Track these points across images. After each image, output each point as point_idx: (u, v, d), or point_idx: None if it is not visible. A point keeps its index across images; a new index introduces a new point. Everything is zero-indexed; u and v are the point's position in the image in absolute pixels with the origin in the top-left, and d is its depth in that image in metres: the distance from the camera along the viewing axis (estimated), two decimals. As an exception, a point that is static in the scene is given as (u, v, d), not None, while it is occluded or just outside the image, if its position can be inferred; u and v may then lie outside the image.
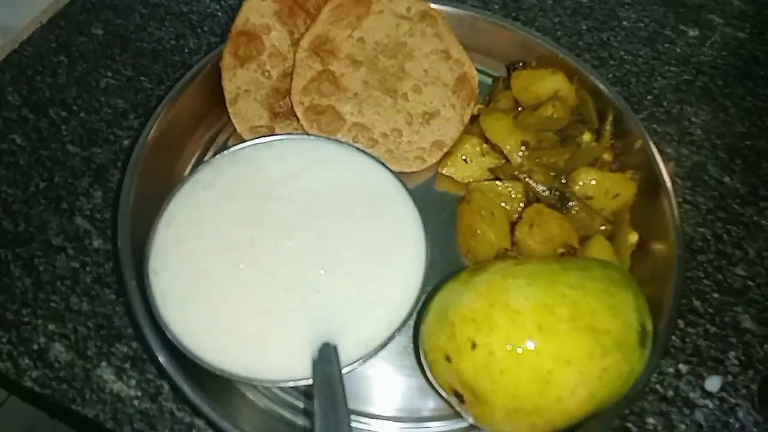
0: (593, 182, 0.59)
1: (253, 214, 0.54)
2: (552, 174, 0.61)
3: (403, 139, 0.66)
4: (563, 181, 0.61)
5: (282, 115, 0.65)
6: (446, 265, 0.57)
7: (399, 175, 0.58)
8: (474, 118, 0.68)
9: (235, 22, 0.64)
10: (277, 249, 0.52)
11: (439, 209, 0.64)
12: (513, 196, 0.61)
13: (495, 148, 0.63)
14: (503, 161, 0.63)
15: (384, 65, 0.67)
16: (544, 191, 0.60)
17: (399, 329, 0.49)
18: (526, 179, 0.61)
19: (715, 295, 0.62)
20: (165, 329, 0.48)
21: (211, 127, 0.67)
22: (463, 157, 0.64)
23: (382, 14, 0.68)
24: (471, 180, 0.64)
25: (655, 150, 0.62)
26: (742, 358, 0.57)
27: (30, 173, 0.62)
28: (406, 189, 0.57)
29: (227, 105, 0.64)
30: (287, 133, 0.60)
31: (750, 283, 0.62)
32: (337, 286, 0.51)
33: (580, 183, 0.59)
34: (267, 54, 0.65)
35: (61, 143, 0.64)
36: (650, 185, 0.62)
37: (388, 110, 0.66)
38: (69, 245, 0.58)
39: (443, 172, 0.65)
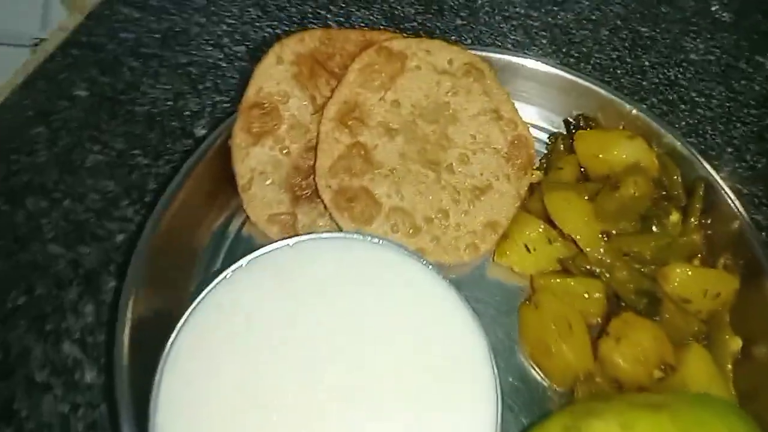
0: (690, 281, 0.49)
1: (277, 344, 0.44)
2: (638, 269, 0.51)
3: (451, 221, 0.55)
4: (652, 277, 0.50)
5: (305, 198, 0.55)
6: (518, 384, 0.48)
7: (458, 289, 0.48)
8: (531, 188, 0.58)
9: (246, 92, 0.53)
10: (307, 395, 0.42)
11: (495, 306, 0.54)
12: (591, 297, 0.51)
13: (565, 236, 0.52)
14: (576, 251, 0.52)
15: (424, 132, 0.56)
16: (630, 294, 0.50)
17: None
18: (607, 276, 0.50)
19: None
20: None
21: (222, 213, 0.57)
22: (526, 245, 0.53)
23: (420, 71, 0.57)
24: (533, 272, 0.54)
25: (753, 230, 0.52)
26: None
27: (6, 284, 0.52)
28: (468, 307, 0.46)
29: (239, 191, 0.54)
30: (315, 234, 0.50)
31: None
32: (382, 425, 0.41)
33: (675, 283, 0.49)
34: (286, 127, 0.54)
35: (41, 242, 0.54)
36: (750, 275, 0.51)
37: (431, 187, 0.55)
38: (56, 381, 0.48)
39: (501, 262, 0.55)
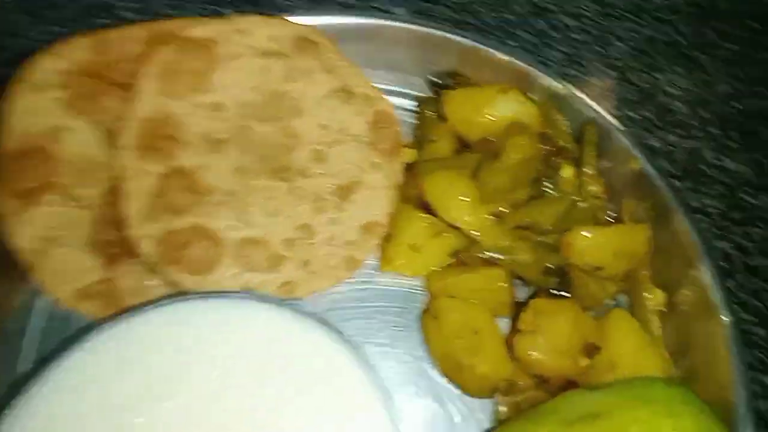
0: (596, 246, 0.43)
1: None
2: (541, 243, 0.44)
3: (318, 237, 0.45)
4: (557, 249, 0.44)
5: (121, 255, 0.43)
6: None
7: (326, 323, 0.39)
8: (407, 170, 0.49)
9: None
10: None
11: (394, 320, 0.46)
12: (494, 288, 0.43)
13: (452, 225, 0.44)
14: (468, 240, 0.44)
15: (261, 135, 0.45)
16: (536, 275, 0.43)
17: None
18: (508, 261, 0.43)
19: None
20: None
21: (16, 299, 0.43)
22: (410, 245, 0.45)
23: (239, 59, 0.45)
24: (425, 273, 0.45)
25: (652, 167, 0.46)
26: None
27: None
28: (344, 344, 0.38)
29: (27, 270, 0.41)
30: (144, 307, 0.38)
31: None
32: None
33: (581, 251, 0.43)
34: (73, 171, 0.41)
35: None
36: (659, 217, 0.46)
37: (285, 201, 0.45)
38: None
39: (386, 269, 0.46)
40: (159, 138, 0.43)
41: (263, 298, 0.40)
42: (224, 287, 0.43)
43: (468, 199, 0.43)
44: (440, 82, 0.52)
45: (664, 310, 0.45)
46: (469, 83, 0.50)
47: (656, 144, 0.56)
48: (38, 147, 0.40)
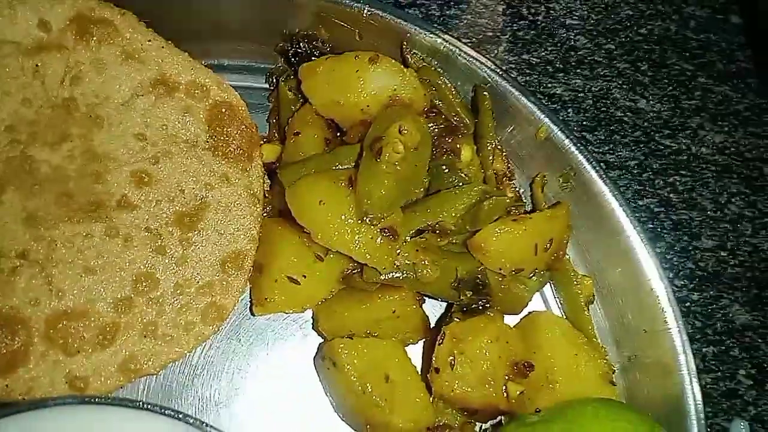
0: (511, 242, 0.35)
1: None
2: (448, 250, 0.36)
3: (162, 287, 0.35)
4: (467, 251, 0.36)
5: None
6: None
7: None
8: (268, 171, 0.39)
9: None
10: None
11: (279, 372, 0.37)
12: (402, 314, 0.36)
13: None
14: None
15: (52, 164, 0.33)
16: (448, 291, 0.35)
17: None
18: (412, 280, 0.35)
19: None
20: None
21: None
22: (289, 277, 0.35)
23: (-11, 61, 0.32)
24: (313, 305, 0.37)
25: (566, 139, 0.39)
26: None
27: None
28: None
29: None
30: None
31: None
32: None
33: (494, 253, 0.35)
34: None
35: None
36: (578, 186, 0.39)
37: (106, 249, 0.34)
38: None
39: (263, 312, 0.36)
40: None
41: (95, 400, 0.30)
42: (44, 384, 0.32)
43: (348, 218, 0.33)
44: (294, 50, 0.41)
45: (593, 299, 0.40)
46: (329, 50, 0.39)
47: (560, 92, 0.49)
48: None
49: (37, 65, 0.33)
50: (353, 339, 0.34)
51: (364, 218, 0.33)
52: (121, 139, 0.35)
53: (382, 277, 0.35)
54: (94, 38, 0.34)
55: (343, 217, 0.33)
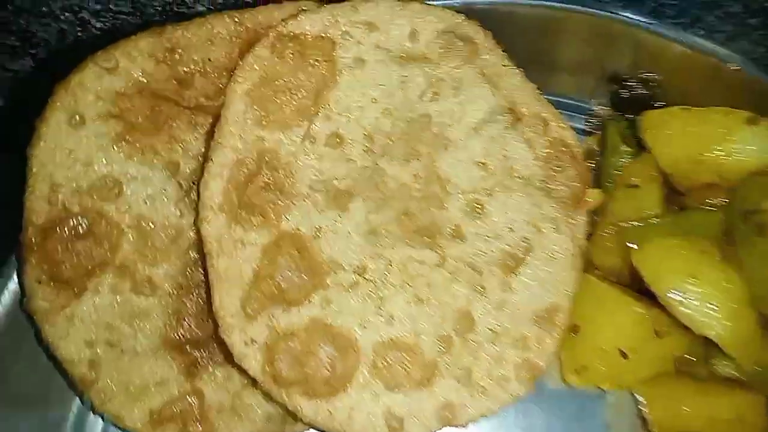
0: None
1: None
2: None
3: (479, 329, 0.32)
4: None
5: (206, 360, 0.30)
6: None
7: None
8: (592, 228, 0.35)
9: (25, 212, 0.26)
10: None
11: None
12: (748, 418, 0.30)
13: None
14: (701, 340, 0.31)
15: (397, 180, 0.32)
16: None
17: None
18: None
19: None
20: None
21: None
22: (620, 349, 0.31)
23: (364, 66, 0.31)
24: (634, 385, 0.32)
25: None
26: None
27: None
28: None
29: (79, 386, 0.28)
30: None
31: None
32: None
33: None
34: (131, 244, 0.28)
35: None
36: None
37: (434, 281, 0.32)
38: None
39: (575, 382, 0.33)
40: (257, 191, 0.29)
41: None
42: (362, 416, 0.30)
43: (728, 301, 0.29)
44: (628, 92, 0.38)
45: None
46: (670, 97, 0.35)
47: None
48: (80, 212, 0.27)
49: (404, 76, 0.32)
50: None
51: (743, 300, 0.29)
52: (463, 165, 0.33)
53: (736, 373, 0.30)
54: (458, 55, 0.33)
55: (720, 297, 0.29)
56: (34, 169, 0.26)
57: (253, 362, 0.28)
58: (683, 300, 0.29)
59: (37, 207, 0.26)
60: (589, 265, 0.35)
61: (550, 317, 0.33)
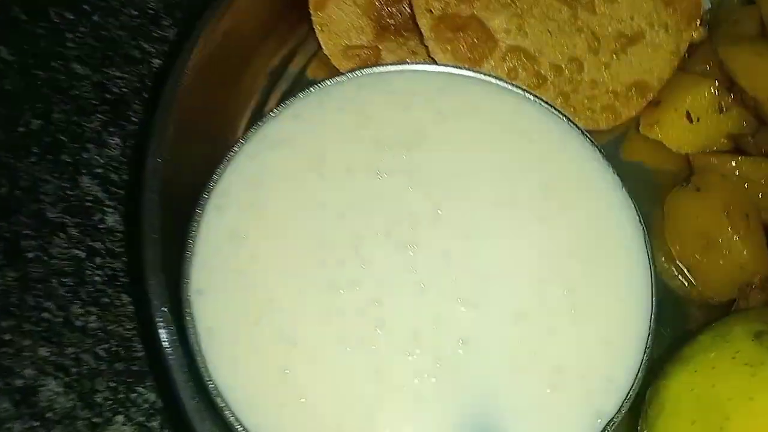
0: None
1: (354, 196, 0.35)
2: None
3: (585, 75, 0.43)
4: None
5: (393, 29, 0.44)
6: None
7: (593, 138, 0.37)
8: (693, 49, 0.45)
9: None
10: (393, 262, 0.33)
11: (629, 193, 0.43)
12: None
13: (747, 104, 0.40)
14: (756, 125, 0.40)
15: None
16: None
17: (611, 425, 0.30)
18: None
19: None
20: (212, 395, 0.30)
21: (283, 45, 0.46)
22: (688, 113, 0.41)
23: None
24: (692, 151, 0.42)
25: None
26: None
27: (19, 104, 0.44)
28: (609, 163, 0.36)
29: (311, 9, 0.43)
30: (411, 63, 0.39)
31: None
32: (495, 335, 0.32)
33: None
34: None
35: (64, 60, 0.45)
36: None
37: (563, 27, 0.43)
38: (71, 221, 0.40)
39: (648, 133, 0.43)
40: None
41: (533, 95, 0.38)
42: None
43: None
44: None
45: None
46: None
47: None
48: None
49: None
50: (726, 177, 0.39)
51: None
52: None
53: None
54: None
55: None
56: None
57: (426, 23, 0.41)
58: (752, 78, 0.39)
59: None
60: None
61: (640, 88, 0.44)
